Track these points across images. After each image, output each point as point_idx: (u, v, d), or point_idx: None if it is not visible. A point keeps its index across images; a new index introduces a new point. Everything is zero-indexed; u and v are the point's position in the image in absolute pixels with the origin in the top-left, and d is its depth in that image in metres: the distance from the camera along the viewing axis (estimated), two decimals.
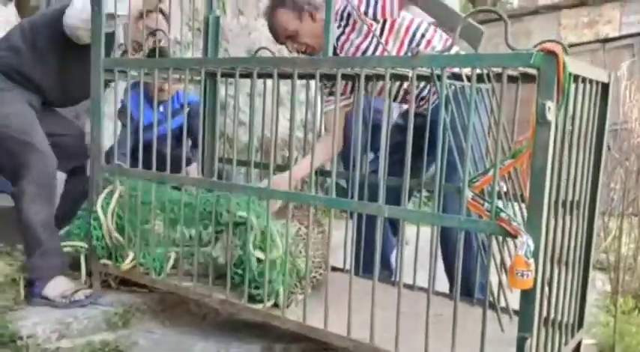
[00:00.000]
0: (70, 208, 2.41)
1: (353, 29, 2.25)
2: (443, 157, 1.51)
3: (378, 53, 2.21)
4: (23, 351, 1.81)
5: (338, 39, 2.28)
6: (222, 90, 2.58)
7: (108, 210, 2.10)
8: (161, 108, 3.03)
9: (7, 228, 2.20)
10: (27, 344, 1.83)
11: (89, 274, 2.19)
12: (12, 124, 2.15)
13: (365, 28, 2.19)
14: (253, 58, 1.81)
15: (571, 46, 6.65)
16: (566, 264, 1.59)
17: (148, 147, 2.10)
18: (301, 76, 1.89)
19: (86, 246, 2.18)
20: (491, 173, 1.38)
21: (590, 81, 1.54)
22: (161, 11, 2.28)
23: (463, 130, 1.62)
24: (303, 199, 1.72)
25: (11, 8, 3.44)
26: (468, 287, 2.02)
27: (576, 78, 1.40)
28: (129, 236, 2.09)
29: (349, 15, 2.23)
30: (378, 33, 2.20)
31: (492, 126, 1.80)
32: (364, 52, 2.25)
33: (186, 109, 2.20)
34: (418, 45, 2.21)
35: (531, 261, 1.27)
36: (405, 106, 2.53)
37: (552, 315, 1.50)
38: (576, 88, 1.43)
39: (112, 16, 2.17)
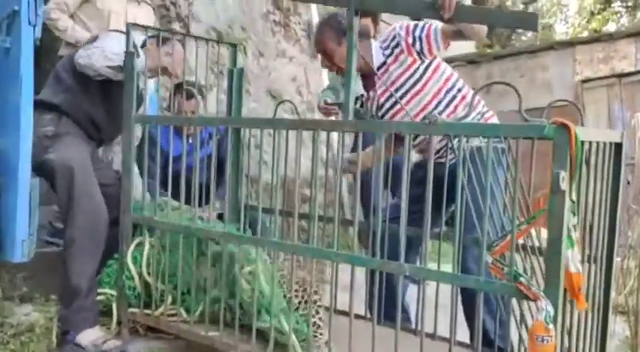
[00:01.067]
0: (108, 257, 2.49)
1: (395, 60, 2.30)
2: (461, 221, 1.56)
3: (414, 90, 2.28)
4: None
5: (379, 68, 2.33)
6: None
7: (139, 260, 2.19)
8: (190, 139, 3.09)
9: (44, 276, 2.29)
10: None
11: (119, 322, 2.27)
12: (75, 170, 2.28)
13: (408, 60, 2.26)
14: (278, 121, 1.90)
15: (587, 80, 6.72)
16: (585, 319, 1.62)
17: (177, 177, 2.19)
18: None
19: (116, 294, 2.27)
20: (508, 238, 1.44)
21: (604, 143, 1.60)
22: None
23: (480, 189, 1.68)
24: (326, 255, 1.79)
25: (145, 7, 3.49)
26: (488, 337, 2.05)
27: (589, 144, 1.46)
28: (158, 285, 2.17)
29: (397, 44, 2.29)
30: (422, 70, 2.27)
31: (509, 184, 1.86)
32: (402, 85, 2.31)
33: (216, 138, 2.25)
34: (454, 98, 2.29)
35: (551, 326, 1.31)
36: (419, 155, 2.58)
37: None
38: (589, 152, 1.49)
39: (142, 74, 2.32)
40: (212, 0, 5.07)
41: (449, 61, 7.59)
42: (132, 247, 2.24)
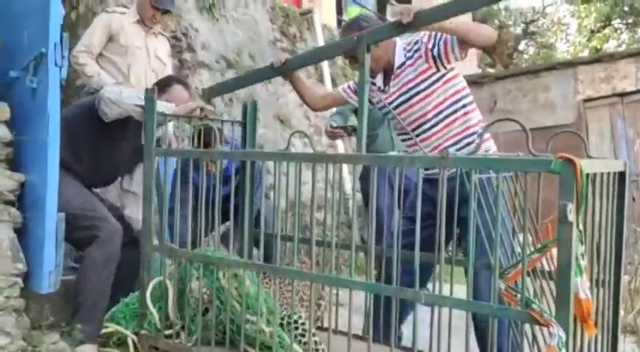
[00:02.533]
0: (124, 278, 2.58)
1: (413, 63, 2.41)
2: (472, 249, 1.64)
3: (420, 96, 2.38)
4: None
5: (399, 67, 2.44)
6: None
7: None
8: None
9: (70, 305, 2.37)
10: None
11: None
12: (74, 206, 2.37)
13: (424, 66, 2.37)
14: (296, 154, 1.99)
15: (589, 100, 6.82)
16: (595, 341, 1.69)
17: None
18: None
19: (131, 334, 2.35)
20: (520, 266, 1.51)
21: (608, 173, 1.68)
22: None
23: (485, 216, 1.76)
24: (343, 284, 1.86)
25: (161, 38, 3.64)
26: None
27: (594, 175, 1.54)
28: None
29: (418, 49, 2.39)
30: (433, 80, 2.37)
31: (517, 210, 1.93)
32: (410, 89, 2.41)
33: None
34: (456, 112, 2.37)
35: (563, 351, 1.38)
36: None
37: None
38: (594, 183, 1.57)
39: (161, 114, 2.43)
40: (221, 29, 5.21)
41: None
42: (150, 288, 2.32)
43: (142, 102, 2.47)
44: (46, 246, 2.12)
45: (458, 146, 2.32)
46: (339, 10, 7.90)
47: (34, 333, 2.14)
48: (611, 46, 12.87)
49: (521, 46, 16.19)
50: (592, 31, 12.79)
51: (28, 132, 2.26)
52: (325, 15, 7.00)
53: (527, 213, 1.53)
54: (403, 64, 2.44)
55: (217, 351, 2.15)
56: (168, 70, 3.57)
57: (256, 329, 2.03)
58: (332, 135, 3.24)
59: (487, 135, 2.38)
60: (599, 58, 6.86)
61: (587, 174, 1.46)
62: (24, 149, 2.28)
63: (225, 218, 2.37)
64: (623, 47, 11.88)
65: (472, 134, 2.35)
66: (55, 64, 2.18)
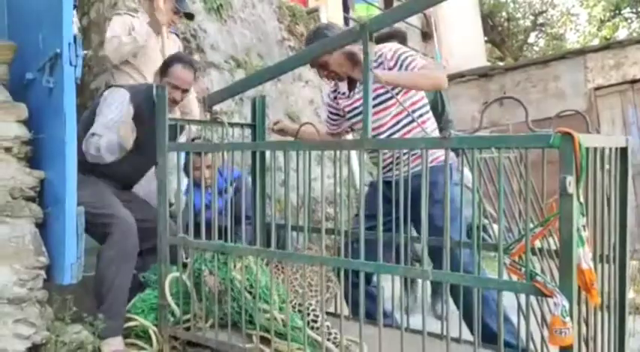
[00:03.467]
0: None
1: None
2: (479, 230, 1.68)
3: (379, 107, 2.47)
4: None
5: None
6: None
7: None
8: (209, 190, 3.22)
9: (93, 299, 2.45)
10: None
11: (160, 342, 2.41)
12: (89, 203, 2.44)
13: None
14: (302, 143, 2.04)
15: (600, 88, 6.79)
16: (602, 312, 1.72)
17: (208, 226, 2.36)
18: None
19: (152, 326, 2.43)
20: (523, 241, 1.55)
21: (609, 148, 1.72)
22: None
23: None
24: (354, 266, 1.91)
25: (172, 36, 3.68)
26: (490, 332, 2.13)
27: (595, 150, 1.58)
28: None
29: (380, 63, 2.46)
30: (393, 93, 2.45)
31: (522, 191, 1.98)
32: (374, 98, 2.43)
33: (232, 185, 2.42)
34: (411, 122, 2.48)
35: (567, 319, 1.42)
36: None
37: None
38: (595, 158, 1.61)
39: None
40: (229, 30, 5.29)
41: (460, 75, 7.77)
42: (168, 283, 2.40)
43: (119, 155, 2.55)
44: (67, 239, 2.20)
45: (413, 153, 2.35)
46: (346, 8, 7.94)
47: (58, 324, 2.22)
48: (621, 36, 12.76)
49: (531, 38, 16.10)
50: (602, 21, 12.70)
51: (45, 131, 2.34)
52: (332, 13, 7.05)
53: (528, 189, 1.57)
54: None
55: (234, 338, 2.22)
56: None
57: (270, 317, 2.09)
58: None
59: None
60: (608, 46, 6.83)
61: (587, 148, 1.50)
62: (42, 147, 2.36)
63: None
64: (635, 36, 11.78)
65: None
66: (70, 64, 2.25)
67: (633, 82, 6.51)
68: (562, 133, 1.45)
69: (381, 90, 2.47)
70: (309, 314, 2.17)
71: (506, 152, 1.99)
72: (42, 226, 2.27)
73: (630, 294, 2.91)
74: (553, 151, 1.94)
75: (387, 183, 2.30)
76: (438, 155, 2.44)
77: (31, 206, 2.25)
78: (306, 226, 2.13)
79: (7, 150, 2.27)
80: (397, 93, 2.47)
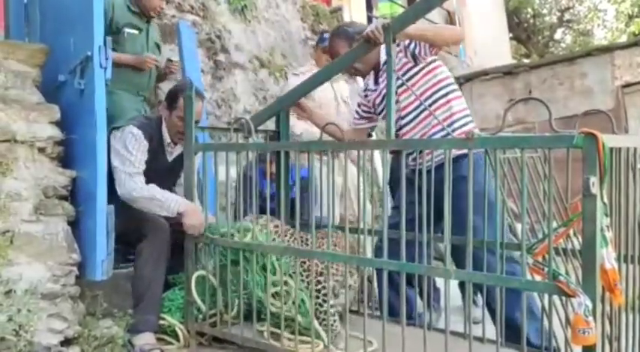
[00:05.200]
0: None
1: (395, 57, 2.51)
2: (503, 227, 1.69)
3: (402, 88, 2.47)
4: None
5: (384, 64, 2.49)
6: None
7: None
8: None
9: (122, 294, 2.52)
10: None
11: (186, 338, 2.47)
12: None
13: (402, 60, 2.49)
14: (327, 143, 2.07)
15: (628, 85, 6.67)
16: (627, 312, 1.71)
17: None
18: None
19: (178, 324, 2.50)
20: (546, 241, 1.56)
21: (634, 148, 1.71)
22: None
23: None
24: (376, 264, 1.94)
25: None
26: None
27: (619, 149, 1.58)
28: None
29: (398, 44, 2.43)
30: (414, 72, 2.48)
31: (546, 193, 1.97)
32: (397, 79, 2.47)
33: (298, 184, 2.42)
34: (436, 101, 2.47)
35: (590, 318, 1.42)
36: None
37: None
38: (619, 158, 1.60)
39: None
40: (253, 30, 5.35)
41: (484, 73, 7.70)
42: (194, 281, 2.46)
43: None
44: (98, 236, 2.27)
45: (441, 134, 2.37)
46: (369, 7, 7.94)
47: (89, 319, 2.29)
48: None
49: (558, 35, 15.86)
50: (630, 17, 12.44)
51: (77, 131, 2.42)
52: (355, 12, 7.06)
53: (553, 190, 1.57)
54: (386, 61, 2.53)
55: (258, 334, 2.26)
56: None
57: (293, 317, 2.12)
58: None
59: (468, 119, 2.48)
60: (636, 42, 6.70)
61: (611, 148, 1.50)
62: (74, 147, 2.44)
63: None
64: None
65: (455, 121, 2.45)
66: (100, 66, 2.32)
67: None
68: (585, 134, 1.45)
69: (400, 73, 2.47)
70: (318, 297, 2.18)
71: (530, 152, 2.00)
72: (74, 224, 2.35)
73: None
74: (578, 149, 1.95)
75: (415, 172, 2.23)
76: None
77: (64, 204, 2.32)
78: (330, 222, 2.16)
79: (41, 150, 2.35)
80: (419, 72, 2.49)
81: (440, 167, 2.05)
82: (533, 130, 6.58)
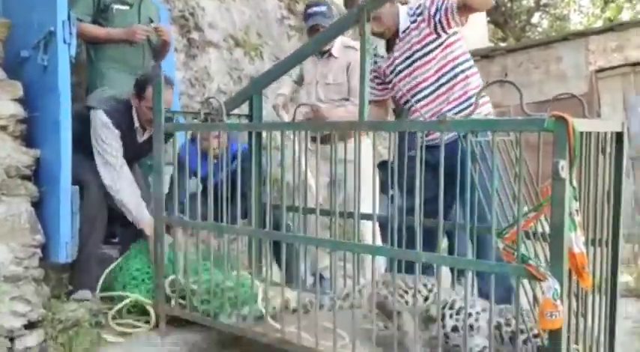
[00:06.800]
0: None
1: (417, 28, 2.45)
2: (474, 211, 1.68)
3: (422, 61, 2.42)
4: None
5: (403, 32, 2.48)
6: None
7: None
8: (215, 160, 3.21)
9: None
10: None
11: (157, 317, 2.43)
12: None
13: (425, 30, 2.41)
14: (298, 124, 2.03)
15: (601, 70, 6.73)
16: (594, 295, 1.73)
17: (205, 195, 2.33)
18: None
19: (149, 301, 2.46)
20: (516, 226, 1.55)
21: (604, 133, 1.71)
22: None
23: (488, 181, 1.79)
24: (348, 248, 1.92)
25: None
26: None
27: (588, 134, 1.57)
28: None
29: (421, 13, 2.43)
30: (434, 45, 2.41)
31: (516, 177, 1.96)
32: (413, 54, 2.45)
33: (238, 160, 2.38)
34: (455, 76, 2.42)
35: (558, 302, 1.43)
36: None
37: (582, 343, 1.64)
38: (589, 142, 1.60)
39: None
40: (228, 8, 5.23)
41: None
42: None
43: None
44: (62, 217, 2.22)
45: (457, 110, 2.35)
46: None
47: (54, 302, 2.24)
48: (625, 18, 12.61)
49: (535, 19, 15.92)
50: (605, 2, 12.55)
51: (40, 109, 2.34)
52: None
53: (523, 174, 1.56)
54: (407, 28, 2.48)
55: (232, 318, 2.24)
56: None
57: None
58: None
59: (486, 99, 2.41)
60: (611, 28, 6.76)
61: (581, 133, 1.49)
62: (38, 125, 2.36)
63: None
64: (639, 18, 11.66)
65: (471, 97, 2.38)
66: (64, 42, 2.24)
67: (635, 64, 6.46)
68: (556, 117, 1.44)
69: (419, 46, 2.43)
70: None
71: (502, 135, 1.98)
72: (37, 205, 2.28)
73: (623, 278, 2.94)
74: (549, 133, 1.94)
75: (432, 149, 2.09)
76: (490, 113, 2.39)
77: (27, 185, 2.26)
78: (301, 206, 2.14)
79: (3, 128, 2.27)
80: (439, 46, 2.42)
81: (448, 145, 1.88)
82: (508, 114, 6.62)
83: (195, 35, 4.77)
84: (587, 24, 13.47)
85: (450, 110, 2.34)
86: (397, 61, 2.52)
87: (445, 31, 2.39)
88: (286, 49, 5.69)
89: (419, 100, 2.46)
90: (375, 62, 2.65)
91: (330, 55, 3.22)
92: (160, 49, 3.32)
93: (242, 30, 5.31)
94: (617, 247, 1.90)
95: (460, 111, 2.35)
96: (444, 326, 1.83)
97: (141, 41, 3.17)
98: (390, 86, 2.63)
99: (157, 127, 2.42)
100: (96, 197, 2.55)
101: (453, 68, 2.43)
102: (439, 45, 2.42)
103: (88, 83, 3.18)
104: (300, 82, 3.51)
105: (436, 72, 2.42)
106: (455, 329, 1.84)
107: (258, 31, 5.50)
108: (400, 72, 2.51)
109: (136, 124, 2.74)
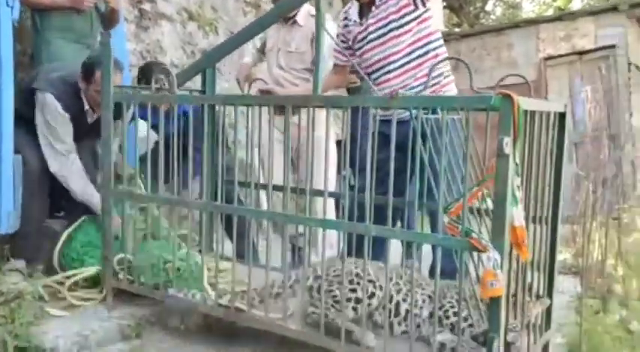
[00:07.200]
0: None
1: None
2: (423, 185, 1.72)
3: (396, 32, 2.41)
4: None
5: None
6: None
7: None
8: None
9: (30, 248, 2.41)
10: None
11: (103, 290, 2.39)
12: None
13: (404, 1, 2.39)
14: (250, 97, 2.02)
15: (550, 58, 6.94)
16: (532, 270, 1.81)
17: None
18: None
19: (99, 268, 2.41)
20: (462, 200, 1.60)
21: (548, 113, 1.77)
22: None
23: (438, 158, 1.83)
24: (300, 221, 1.94)
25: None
26: None
27: (532, 113, 1.63)
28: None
29: None
30: (411, 17, 2.40)
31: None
32: (388, 23, 2.43)
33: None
34: (427, 53, 2.43)
35: (499, 271, 1.49)
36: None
37: (520, 318, 1.72)
38: (532, 122, 1.66)
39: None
40: None
41: None
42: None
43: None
44: (3, 188, 2.14)
45: (423, 87, 2.36)
46: None
47: None
48: (575, 7, 12.99)
49: (489, 6, 16.18)
50: None
51: None
52: None
53: (470, 150, 1.61)
54: None
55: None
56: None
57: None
58: None
59: (451, 78, 2.45)
60: (560, 17, 6.97)
61: (526, 111, 1.54)
62: None
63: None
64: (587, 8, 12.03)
65: (438, 76, 2.41)
66: (7, 5, 2.14)
67: (582, 53, 6.69)
68: (502, 95, 1.49)
69: (396, 16, 2.41)
70: None
71: (451, 114, 2.03)
72: None
73: (561, 256, 3.08)
74: (496, 111, 1.99)
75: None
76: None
77: None
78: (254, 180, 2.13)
79: None
80: (415, 19, 2.41)
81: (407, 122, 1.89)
82: None
83: (147, 6, 4.63)
84: (538, 12, 13.81)
85: (417, 86, 2.33)
86: (371, 29, 2.49)
87: (424, 4, 2.39)
88: (241, 25, 5.59)
89: (388, 72, 2.46)
90: (346, 25, 2.60)
91: (295, 22, 3.17)
92: (108, 17, 3.19)
93: (196, 4, 5.19)
94: (557, 225, 1.98)
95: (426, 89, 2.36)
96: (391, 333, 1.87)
97: (88, 9, 3.06)
98: (358, 53, 2.59)
99: (106, 96, 2.35)
100: (36, 169, 2.50)
101: (425, 44, 2.43)
102: (416, 18, 2.41)
103: (33, 52, 3.06)
104: (262, 49, 3.43)
105: (409, 45, 2.41)
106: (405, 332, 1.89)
107: (212, 5, 5.38)
108: (372, 40, 2.48)
109: (86, 107, 2.68)
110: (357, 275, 1.90)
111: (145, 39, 4.62)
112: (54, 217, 2.86)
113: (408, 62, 2.42)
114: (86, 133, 2.75)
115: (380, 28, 2.46)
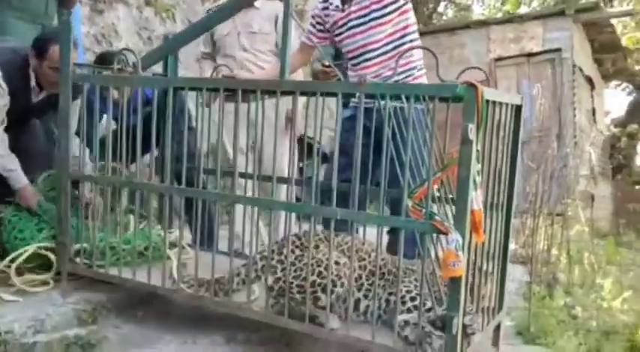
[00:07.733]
0: None
1: None
2: (386, 171, 1.77)
3: (377, 22, 2.45)
4: (2, 346, 1.94)
5: None
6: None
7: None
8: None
9: None
10: (5, 339, 1.96)
11: (58, 273, 2.34)
12: None
13: None
14: (219, 81, 2.02)
15: (500, 59, 7.20)
16: (488, 255, 1.90)
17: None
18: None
19: (53, 245, 2.34)
20: (426, 185, 1.66)
21: (506, 104, 1.86)
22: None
23: (403, 146, 1.89)
24: (265, 204, 1.95)
25: None
26: None
27: (493, 103, 1.71)
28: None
29: None
30: (392, 8, 2.45)
31: (427, 141, 2.08)
32: (370, 12, 2.47)
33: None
34: (403, 44, 2.47)
35: (460, 253, 1.56)
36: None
37: (475, 300, 1.81)
38: (493, 111, 1.74)
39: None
40: None
41: None
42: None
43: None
44: None
45: (396, 78, 2.41)
46: None
47: None
48: (523, 12, 13.46)
49: (441, 8, 16.56)
50: None
51: None
52: None
53: (434, 137, 1.67)
54: None
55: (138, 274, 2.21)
56: None
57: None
58: (326, 77, 3.21)
59: (423, 71, 2.53)
60: (510, 19, 7.23)
61: (488, 100, 1.62)
62: None
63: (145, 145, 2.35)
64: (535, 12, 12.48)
65: (412, 68, 2.48)
66: None
67: (529, 55, 6.97)
68: (467, 84, 1.56)
69: (378, 6, 2.44)
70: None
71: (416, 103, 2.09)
72: None
73: (511, 246, 3.22)
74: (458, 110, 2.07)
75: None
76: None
77: None
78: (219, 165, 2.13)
79: None
80: (396, 10, 2.45)
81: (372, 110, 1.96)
82: None
83: None
84: (488, 15, 14.24)
85: (391, 76, 2.39)
86: (352, 16, 2.52)
87: None
88: (199, 13, 5.53)
89: (366, 60, 2.51)
90: (326, 8, 2.61)
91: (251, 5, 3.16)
92: None
93: None
94: (510, 212, 2.08)
95: (399, 80, 2.42)
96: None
97: None
98: (337, 39, 2.62)
99: (65, 75, 2.29)
100: None
101: (403, 36, 2.49)
102: (397, 9, 2.46)
103: None
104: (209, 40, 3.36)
105: (388, 35, 2.46)
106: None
107: None
108: (353, 27, 2.52)
109: (32, 83, 2.57)
110: (321, 261, 1.93)
111: (100, 22, 4.51)
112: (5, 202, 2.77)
113: (385, 52, 2.48)
114: (29, 112, 2.64)
115: (361, 16, 2.51)
